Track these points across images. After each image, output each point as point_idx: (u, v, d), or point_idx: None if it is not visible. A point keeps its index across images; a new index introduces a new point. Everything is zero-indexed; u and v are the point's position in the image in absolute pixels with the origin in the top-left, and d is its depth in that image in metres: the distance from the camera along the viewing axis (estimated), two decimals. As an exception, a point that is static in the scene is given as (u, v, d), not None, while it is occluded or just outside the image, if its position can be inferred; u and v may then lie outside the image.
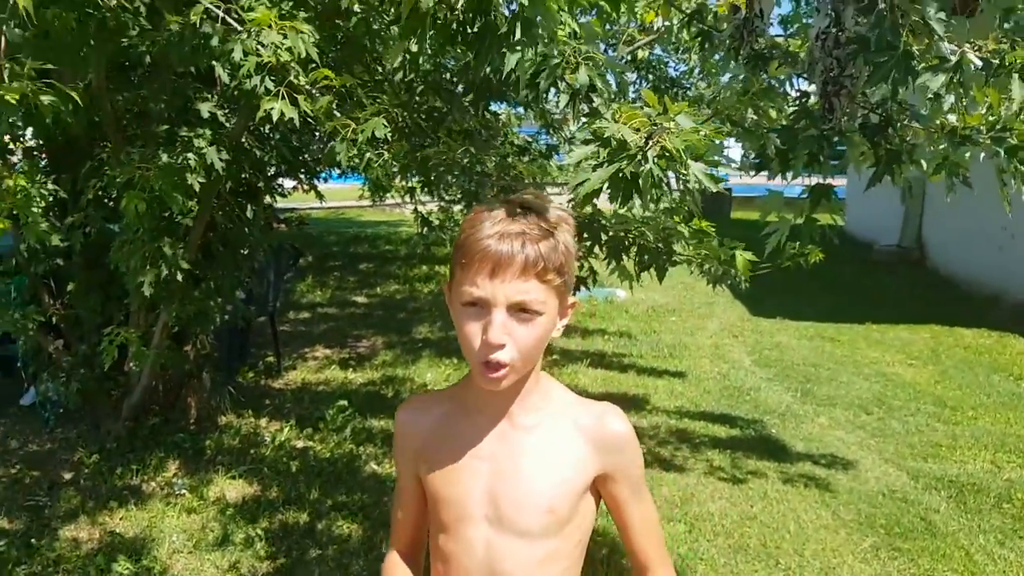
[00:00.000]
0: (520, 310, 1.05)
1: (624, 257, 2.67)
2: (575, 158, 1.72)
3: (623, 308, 7.75)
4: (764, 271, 3.89)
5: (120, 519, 3.50)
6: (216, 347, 4.69)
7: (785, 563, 3.24)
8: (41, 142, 3.91)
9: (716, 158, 1.69)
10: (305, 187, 5.02)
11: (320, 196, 5.30)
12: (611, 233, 2.64)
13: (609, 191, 1.69)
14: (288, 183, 6.49)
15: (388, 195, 6.92)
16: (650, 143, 1.64)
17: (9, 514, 3.50)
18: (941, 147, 2.26)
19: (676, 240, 2.59)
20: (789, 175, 2.24)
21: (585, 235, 2.96)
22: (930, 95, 1.91)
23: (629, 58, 2.91)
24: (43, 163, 3.92)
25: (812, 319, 7.30)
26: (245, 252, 4.08)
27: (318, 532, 3.42)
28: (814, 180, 2.25)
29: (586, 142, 1.74)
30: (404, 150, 2.40)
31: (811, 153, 2.14)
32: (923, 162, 2.30)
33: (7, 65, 1.99)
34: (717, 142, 1.65)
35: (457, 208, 4.76)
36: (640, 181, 1.63)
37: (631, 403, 5.02)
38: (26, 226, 2.40)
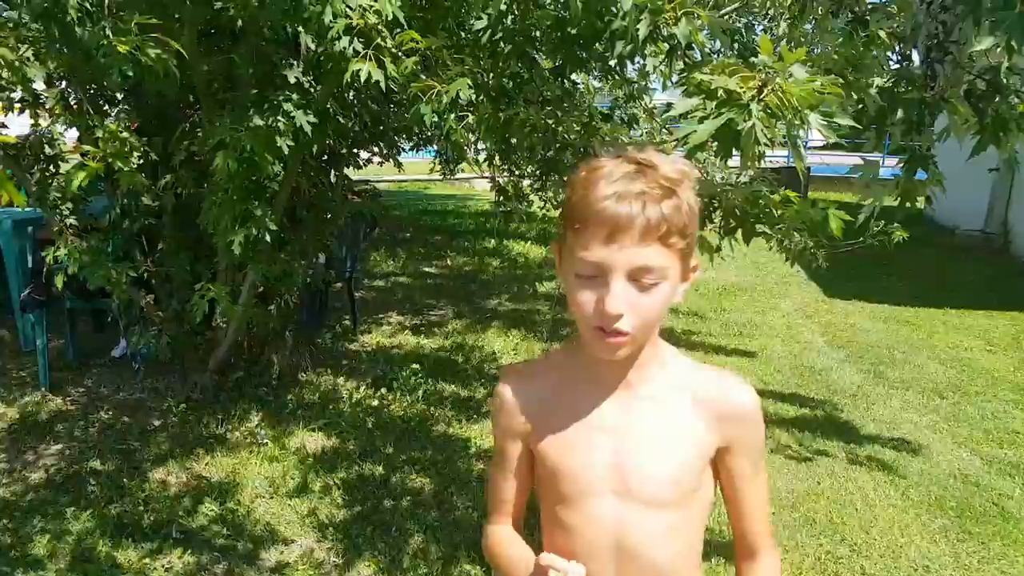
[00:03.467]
0: (640, 277, 0.98)
1: (707, 224, 2.65)
2: (679, 109, 1.70)
3: (693, 286, 7.64)
4: (843, 250, 3.86)
5: (206, 464, 3.71)
6: (299, 308, 4.88)
7: (851, 539, 3.24)
8: (131, 105, 4.10)
9: (837, 111, 1.62)
10: (384, 157, 5.10)
11: (399, 165, 5.39)
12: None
13: (717, 144, 1.67)
14: (364, 154, 6.64)
15: (459, 169, 7.02)
16: (764, 92, 1.60)
17: (102, 457, 3.74)
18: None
19: (764, 204, 2.53)
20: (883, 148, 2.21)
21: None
22: None
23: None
24: (135, 127, 4.12)
25: (888, 302, 7.12)
26: (328, 217, 4.22)
27: (392, 484, 3.56)
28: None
29: (689, 95, 1.71)
30: (488, 113, 2.44)
31: (910, 120, 2.09)
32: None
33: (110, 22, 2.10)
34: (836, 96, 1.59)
35: (527, 183, 4.80)
36: (743, 137, 1.59)
37: (698, 378, 5.01)
38: (120, 174, 2.52)
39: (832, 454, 4.00)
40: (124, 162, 2.97)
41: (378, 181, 14.34)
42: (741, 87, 1.58)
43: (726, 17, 2.90)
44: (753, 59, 1.68)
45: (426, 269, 8.05)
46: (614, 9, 1.68)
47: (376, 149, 5.02)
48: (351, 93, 3.43)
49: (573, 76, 3.69)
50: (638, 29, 1.81)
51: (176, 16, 3.03)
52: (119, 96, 4.18)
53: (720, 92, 1.55)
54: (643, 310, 1.00)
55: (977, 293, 7.44)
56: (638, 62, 2.52)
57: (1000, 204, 9.82)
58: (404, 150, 7.62)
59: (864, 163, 2.23)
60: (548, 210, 4.29)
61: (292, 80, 3.30)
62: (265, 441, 3.92)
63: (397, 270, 7.98)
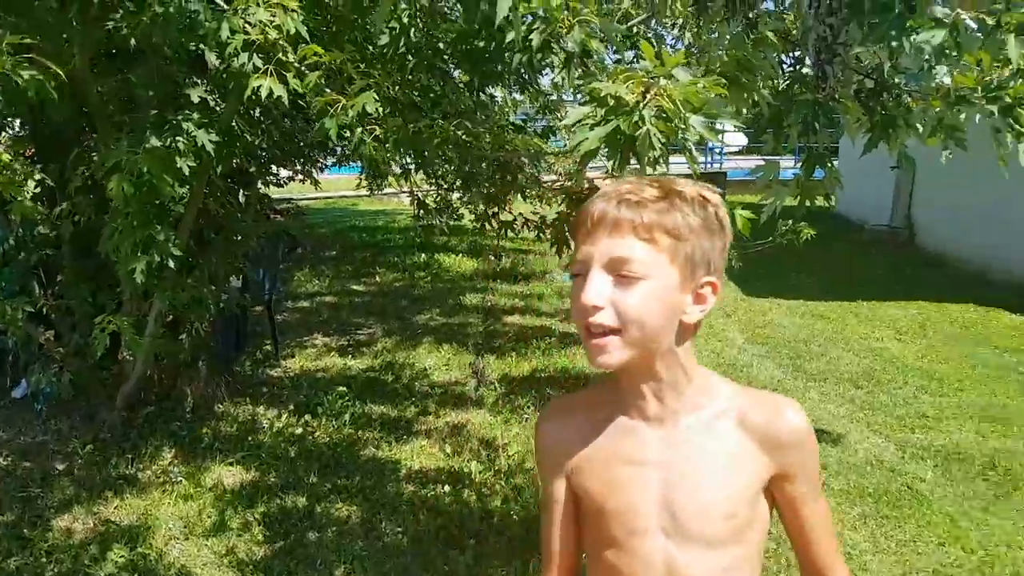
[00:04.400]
0: (619, 269, 0.95)
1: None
2: (572, 119, 1.70)
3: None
4: (756, 250, 3.96)
5: (115, 508, 3.51)
6: (213, 336, 4.71)
7: (776, 532, 3.27)
8: (27, 131, 3.90)
9: (720, 111, 1.65)
10: (301, 175, 4.99)
11: (316, 183, 5.27)
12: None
13: (607, 151, 1.68)
14: (284, 172, 6.47)
15: (385, 183, 6.94)
16: (647, 97, 1.61)
17: (1, 507, 3.50)
18: (936, 110, 2.25)
19: None
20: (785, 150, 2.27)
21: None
22: (926, 56, 1.89)
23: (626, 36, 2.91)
24: (31, 153, 3.92)
25: (803, 297, 7.37)
26: (238, 239, 4.08)
27: (316, 515, 3.44)
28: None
29: (584, 103, 1.72)
30: (397, 125, 2.40)
31: (806, 121, 2.15)
32: (919, 126, 2.29)
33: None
34: (716, 96, 1.61)
35: (455, 196, 4.77)
36: (637, 142, 1.60)
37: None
38: (13, 205, 2.39)
39: (755, 450, 4.08)
40: (16, 191, 2.80)
41: (303, 199, 14.09)
42: (628, 93, 1.58)
43: (634, 29, 2.94)
44: (634, 65, 1.69)
45: (354, 287, 7.91)
46: (510, 20, 1.66)
47: (294, 166, 4.89)
48: (258, 110, 3.33)
49: (490, 89, 3.69)
50: (531, 39, 1.80)
51: (65, 37, 2.88)
52: (16, 121, 3.97)
53: (609, 99, 1.55)
54: (625, 307, 0.95)
55: (885, 285, 7.78)
56: (546, 74, 2.52)
57: (904, 199, 10.30)
58: (326, 166, 7.49)
59: (765, 164, 2.28)
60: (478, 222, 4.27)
61: (196, 99, 3.19)
62: (179, 479, 3.74)
63: (323, 290, 7.81)
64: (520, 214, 3.65)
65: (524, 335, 6.12)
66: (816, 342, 6.02)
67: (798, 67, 2.23)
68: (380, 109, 2.39)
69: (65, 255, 3.99)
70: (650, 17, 2.80)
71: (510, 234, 3.92)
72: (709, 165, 17.99)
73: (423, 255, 9.27)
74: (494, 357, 5.56)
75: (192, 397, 4.36)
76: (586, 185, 2.72)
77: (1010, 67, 2.10)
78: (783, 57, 2.29)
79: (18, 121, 3.92)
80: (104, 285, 3.90)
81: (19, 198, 2.40)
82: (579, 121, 1.67)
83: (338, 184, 14.09)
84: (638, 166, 1.75)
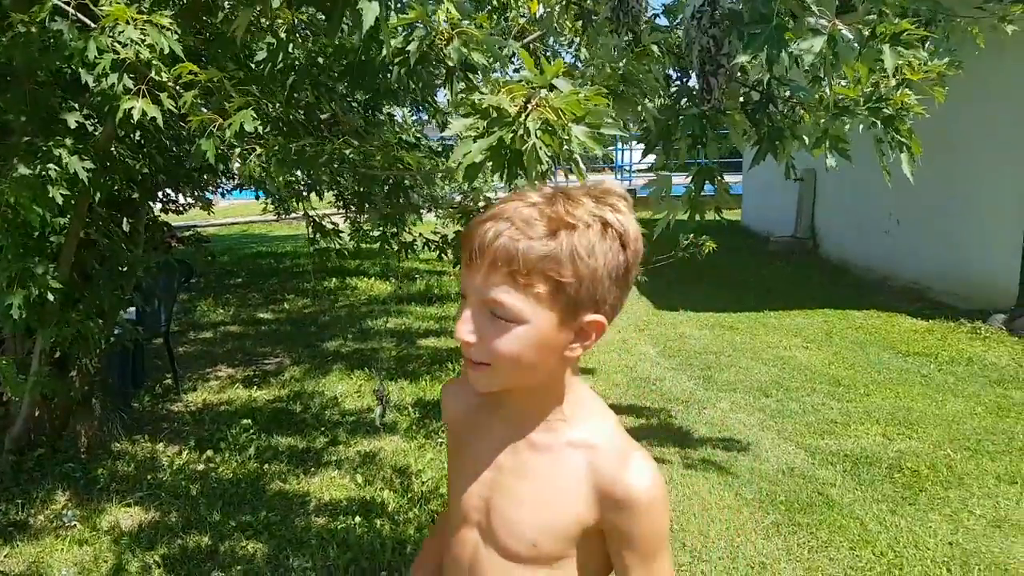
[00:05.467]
0: (494, 309, 0.92)
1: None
2: (453, 130, 1.67)
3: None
4: (659, 264, 4.02)
5: (4, 556, 3.27)
6: (106, 371, 4.47)
7: (691, 544, 3.31)
8: None
9: (603, 120, 1.64)
10: (193, 200, 4.81)
11: (207, 207, 5.10)
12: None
13: (491, 164, 1.66)
14: (184, 199, 6.24)
15: (292, 207, 6.79)
16: (528, 108, 1.59)
17: None
18: (821, 121, 2.31)
19: None
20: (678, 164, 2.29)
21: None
22: (806, 67, 1.94)
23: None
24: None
25: (713, 310, 7.54)
26: (124, 269, 3.89)
27: (221, 554, 3.28)
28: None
29: (466, 115, 1.69)
30: (278, 144, 2.32)
31: (694, 135, 2.17)
32: (805, 137, 2.35)
33: None
34: (600, 106, 1.60)
35: (353, 218, 4.65)
36: (524, 156, 1.58)
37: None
38: None
39: (669, 461, 4.11)
40: None
41: (208, 226, 13.67)
42: (509, 104, 1.56)
43: (531, 46, 2.95)
44: (514, 75, 1.68)
45: (260, 315, 7.67)
46: (378, 34, 1.63)
47: (185, 192, 4.71)
48: (138, 134, 3.19)
49: (388, 108, 3.63)
50: (408, 51, 1.77)
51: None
52: None
53: (491, 110, 1.53)
54: (494, 347, 0.93)
55: (792, 295, 8.03)
56: (442, 91, 2.48)
57: (807, 210, 10.71)
58: (227, 191, 7.27)
59: (657, 178, 2.30)
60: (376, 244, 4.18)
61: (73, 124, 3.03)
62: (73, 523, 3.51)
63: (227, 319, 7.54)
64: (420, 234, 3.60)
65: (439, 358, 6.05)
66: (726, 353, 6.15)
67: (685, 80, 2.26)
68: (260, 128, 2.31)
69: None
70: (545, 34, 2.81)
71: (421, 255, 3.87)
72: (621, 182, 18.32)
73: (334, 280, 9.10)
74: (408, 382, 5.47)
75: (86, 436, 4.11)
76: (482, 203, 2.69)
77: (888, 77, 2.18)
78: (670, 71, 2.32)
79: None
80: (-18, 322, 3.65)
81: None
82: (462, 134, 1.64)
83: (247, 209, 13.73)
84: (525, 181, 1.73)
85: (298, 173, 2.50)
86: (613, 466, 0.99)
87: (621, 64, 2.10)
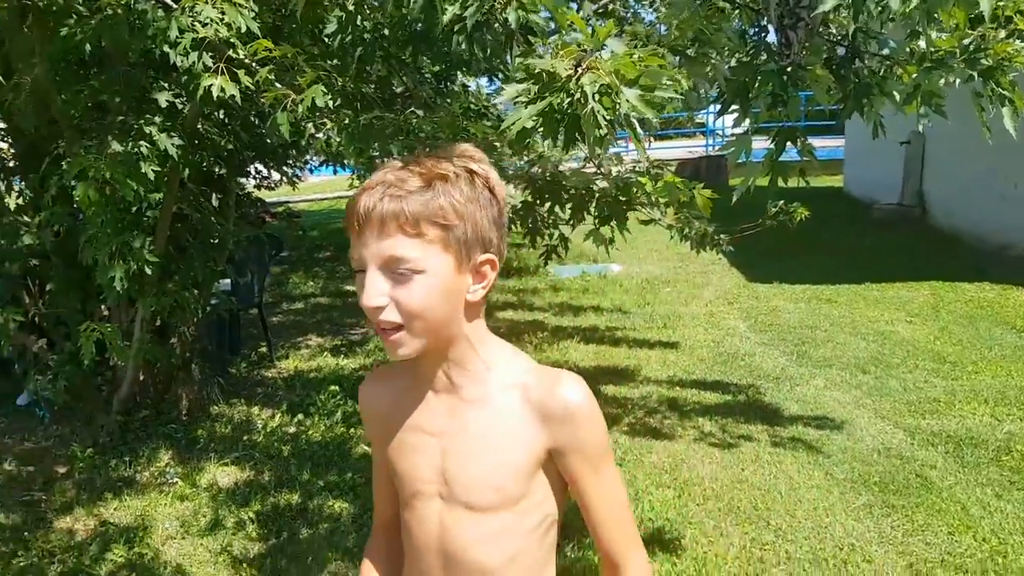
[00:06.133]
0: (394, 268, 0.97)
1: (586, 215, 2.59)
2: (507, 96, 1.64)
3: (617, 282, 7.70)
4: (748, 232, 3.88)
5: (114, 509, 3.52)
6: (205, 339, 4.70)
7: (776, 523, 3.21)
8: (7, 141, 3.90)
9: (659, 83, 1.57)
10: (279, 176, 4.96)
11: (292, 184, 5.25)
12: (572, 191, 2.56)
13: (542, 130, 1.62)
14: (274, 175, 6.44)
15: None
16: (579, 71, 1.54)
17: (5, 510, 3.53)
18: (913, 76, 2.15)
19: (636, 190, 2.48)
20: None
21: (546, 196, 2.91)
22: (894, 15, 1.79)
23: (598, 12, 2.81)
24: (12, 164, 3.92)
25: (809, 282, 7.22)
26: (215, 242, 4.06)
27: (309, 512, 3.42)
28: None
29: (520, 80, 1.66)
30: (347, 118, 2.34)
31: (773, 92, 2.05)
32: (895, 93, 2.20)
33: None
34: (655, 68, 1.53)
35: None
36: (582, 120, 1.54)
37: (621, 375, 4.99)
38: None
39: (756, 439, 4.00)
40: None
41: (300, 201, 14.10)
42: (562, 68, 1.51)
43: (609, 5, 2.85)
44: (566, 37, 1.62)
45: (347, 288, 7.88)
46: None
47: (270, 168, 4.86)
48: (222, 112, 3.29)
49: (462, 79, 3.61)
50: (465, 17, 1.74)
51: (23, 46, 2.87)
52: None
53: (543, 75, 1.48)
54: (405, 302, 0.97)
55: (896, 266, 7.60)
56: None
57: (915, 176, 10.10)
58: (314, 167, 7.44)
59: (736, 139, 2.16)
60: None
61: (164, 104, 3.16)
62: (175, 480, 3.74)
63: (316, 291, 7.81)
64: None
65: (517, 330, 6.05)
66: (822, 328, 5.90)
67: (763, 36, 2.13)
68: (330, 102, 2.34)
69: (54, 264, 3.98)
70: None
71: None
72: (710, 148, 17.63)
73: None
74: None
75: (187, 400, 4.35)
76: (549, 171, 2.64)
77: (994, 28, 1.99)
78: (747, 28, 2.19)
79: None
80: (92, 293, 3.88)
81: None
82: (515, 99, 1.61)
83: (335, 185, 14.06)
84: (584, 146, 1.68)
85: (374, 145, 2.53)
86: (547, 390, 1.07)
87: (691, 24, 2.00)
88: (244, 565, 3.07)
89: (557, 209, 3.02)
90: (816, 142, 2.20)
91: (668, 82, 1.40)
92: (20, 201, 4.20)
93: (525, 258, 8.59)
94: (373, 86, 2.88)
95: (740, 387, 4.76)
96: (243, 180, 6.21)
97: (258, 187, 7.38)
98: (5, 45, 2.72)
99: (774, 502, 3.38)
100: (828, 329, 5.85)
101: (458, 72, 3.20)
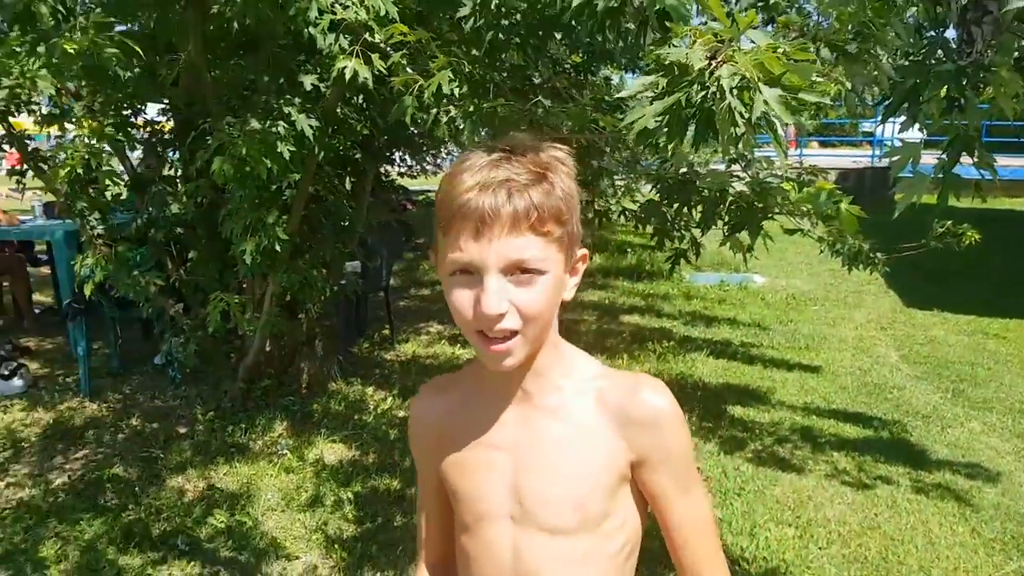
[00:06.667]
0: (518, 271, 0.88)
1: (719, 221, 2.37)
2: (632, 90, 1.49)
3: (758, 295, 7.28)
4: (909, 253, 3.49)
5: (224, 474, 3.64)
6: (332, 318, 4.81)
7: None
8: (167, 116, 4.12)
9: (807, 82, 1.36)
10: (415, 163, 5.00)
11: (424, 172, 5.29)
12: (705, 192, 2.35)
13: (667, 129, 1.45)
14: (414, 163, 6.53)
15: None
16: (713, 64, 1.38)
17: (125, 463, 3.73)
18: None
19: (777, 197, 2.24)
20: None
21: (675, 196, 2.71)
22: None
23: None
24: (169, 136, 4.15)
25: (975, 312, 6.51)
26: (345, 225, 4.12)
27: (406, 500, 3.39)
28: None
29: (648, 72, 1.51)
30: (472, 105, 2.25)
31: (949, 96, 1.77)
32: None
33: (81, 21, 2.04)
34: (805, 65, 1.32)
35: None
36: (717, 117, 1.37)
37: (752, 396, 4.66)
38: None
39: (896, 482, 3.60)
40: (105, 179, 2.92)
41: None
42: (697, 59, 1.33)
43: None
44: (711, 24, 1.43)
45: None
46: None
47: (405, 154, 4.90)
48: (361, 96, 3.30)
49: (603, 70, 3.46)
50: (595, 2, 1.59)
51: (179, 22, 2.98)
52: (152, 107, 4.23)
53: (674, 67, 1.31)
54: (526, 306, 0.89)
55: (1083, 302, 6.73)
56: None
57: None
58: (448, 155, 7.51)
59: (901, 146, 1.87)
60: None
61: (308, 86, 3.21)
62: (285, 452, 3.82)
63: (447, 279, 7.89)
64: (617, 202, 3.40)
65: (640, 336, 5.81)
66: (985, 365, 5.28)
67: (940, 31, 1.84)
68: (456, 89, 2.26)
69: (197, 234, 4.17)
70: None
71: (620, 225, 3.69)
72: (875, 159, 16.30)
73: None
74: (603, 357, 5.32)
75: (308, 375, 4.46)
76: (683, 169, 2.44)
77: None
78: (923, 22, 1.90)
79: (154, 107, 4.16)
80: (230, 264, 4.03)
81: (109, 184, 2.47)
82: (639, 94, 1.45)
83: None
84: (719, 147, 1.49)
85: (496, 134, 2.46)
86: (627, 394, 0.98)
87: (857, 14, 1.75)
88: (336, 546, 3.08)
89: (687, 211, 2.81)
90: (999, 159, 1.87)
91: (818, 79, 1.19)
92: (172, 172, 4.44)
93: (658, 261, 8.30)
94: (506, 74, 2.78)
95: (884, 422, 4.32)
96: (388, 168, 6.35)
97: (401, 175, 7.55)
98: (164, 24, 2.81)
99: (907, 555, 3.01)
100: (992, 367, 5.23)
101: (601, 64, 3.05)
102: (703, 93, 1.35)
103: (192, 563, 2.97)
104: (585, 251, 0.99)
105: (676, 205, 2.83)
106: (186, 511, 3.31)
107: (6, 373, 4.55)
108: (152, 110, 4.49)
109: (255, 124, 2.89)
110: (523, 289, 0.89)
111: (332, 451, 3.86)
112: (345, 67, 2.37)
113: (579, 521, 0.96)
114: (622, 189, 3.52)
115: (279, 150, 2.94)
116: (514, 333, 0.90)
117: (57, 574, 2.90)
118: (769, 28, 2.34)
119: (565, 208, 0.91)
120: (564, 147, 0.97)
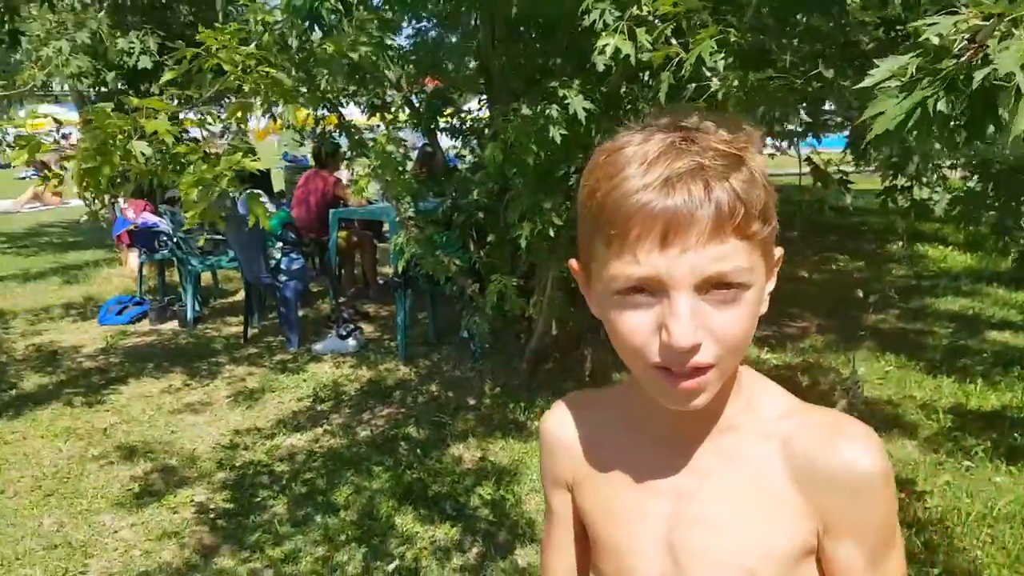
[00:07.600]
0: (717, 286, 0.69)
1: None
2: (875, 77, 1.22)
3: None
4: None
5: (499, 448, 3.82)
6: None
7: None
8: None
9: None
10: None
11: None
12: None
13: (916, 132, 1.14)
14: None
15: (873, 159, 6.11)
16: (971, 47, 1.08)
17: (418, 425, 4.11)
18: None
19: None
20: None
21: (1003, 187, 2.17)
22: None
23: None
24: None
25: None
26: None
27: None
28: None
29: (905, 50, 1.22)
30: (737, 79, 2.00)
31: None
32: None
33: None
34: None
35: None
36: (999, 103, 1.07)
37: None
38: (394, 181, 2.67)
39: None
40: (393, 173, 3.15)
41: (781, 175, 13.44)
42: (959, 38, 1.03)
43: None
44: None
45: (801, 273, 7.27)
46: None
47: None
48: (647, 74, 3.18)
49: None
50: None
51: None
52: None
53: (930, 50, 1.02)
54: (727, 332, 0.70)
55: None
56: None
57: None
58: (826, 142, 6.88)
59: None
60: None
61: (601, 68, 3.18)
62: (558, 436, 3.89)
63: (767, 273, 7.38)
64: (932, 190, 2.78)
65: (1007, 357, 4.83)
66: None
67: None
68: (722, 60, 2.04)
69: (500, 218, 4.41)
70: None
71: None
72: None
73: (900, 243, 8.04)
74: (951, 379, 4.53)
75: (590, 362, 4.49)
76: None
77: None
78: None
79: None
80: (520, 249, 4.20)
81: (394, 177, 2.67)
82: (884, 81, 1.18)
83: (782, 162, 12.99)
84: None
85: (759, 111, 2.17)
86: (820, 444, 0.77)
87: None
88: (583, 537, 3.06)
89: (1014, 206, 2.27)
90: None
91: None
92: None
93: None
94: (796, 40, 2.44)
95: None
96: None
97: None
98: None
99: None
100: None
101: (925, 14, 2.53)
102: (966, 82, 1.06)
103: (455, 528, 3.16)
104: (782, 250, 0.79)
105: (1003, 200, 2.29)
106: (459, 478, 3.54)
107: (344, 334, 5.27)
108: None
109: (525, 110, 2.93)
110: (723, 311, 0.70)
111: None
112: (607, 44, 2.29)
113: None
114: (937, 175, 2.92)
115: (551, 134, 2.94)
116: (709, 366, 0.71)
117: (343, 517, 3.27)
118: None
119: (767, 197, 0.71)
120: (741, 118, 0.79)
